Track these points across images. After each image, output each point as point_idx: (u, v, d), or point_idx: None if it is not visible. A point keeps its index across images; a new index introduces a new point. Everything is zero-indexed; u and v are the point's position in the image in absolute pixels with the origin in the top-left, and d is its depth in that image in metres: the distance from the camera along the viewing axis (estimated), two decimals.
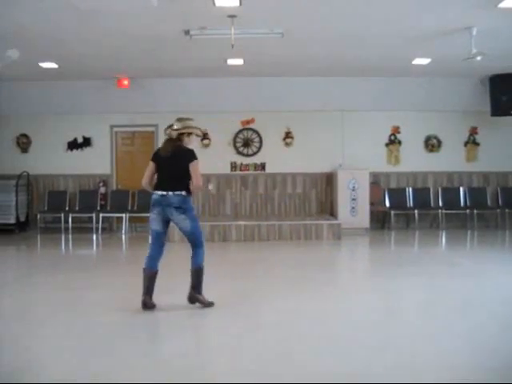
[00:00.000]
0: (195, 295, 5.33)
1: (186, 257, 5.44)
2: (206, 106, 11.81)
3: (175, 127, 5.33)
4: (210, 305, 5.32)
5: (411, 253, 9.46)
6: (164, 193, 5.20)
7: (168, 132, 5.36)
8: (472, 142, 12.18)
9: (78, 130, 12.15)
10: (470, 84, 11.67)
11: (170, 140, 5.36)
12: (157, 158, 5.37)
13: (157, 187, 5.28)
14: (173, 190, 5.19)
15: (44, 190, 12.20)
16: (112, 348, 4.22)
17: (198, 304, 5.33)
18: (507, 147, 12.03)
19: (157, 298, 5.30)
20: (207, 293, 5.41)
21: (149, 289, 5.30)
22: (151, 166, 5.36)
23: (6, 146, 12.15)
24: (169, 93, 11.72)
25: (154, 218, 5.28)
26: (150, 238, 5.48)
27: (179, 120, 5.40)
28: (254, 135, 12.14)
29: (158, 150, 5.50)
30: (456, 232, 11.34)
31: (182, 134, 5.35)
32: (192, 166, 5.23)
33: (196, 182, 5.23)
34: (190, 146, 5.42)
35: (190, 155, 5.29)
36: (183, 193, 5.22)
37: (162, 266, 5.46)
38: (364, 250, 10.07)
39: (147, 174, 5.36)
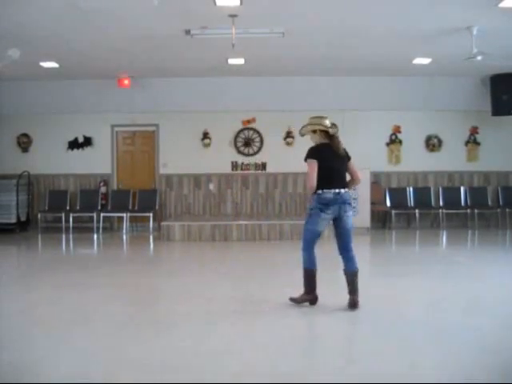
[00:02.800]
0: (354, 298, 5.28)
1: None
2: (207, 106, 11.83)
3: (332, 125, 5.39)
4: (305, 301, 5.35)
5: (412, 252, 9.44)
6: (337, 191, 5.20)
7: (331, 130, 5.31)
8: (473, 141, 12.18)
9: (79, 129, 12.15)
10: (470, 83, 11.67)
11: (335, 138, 5.32)
12: (324, 156, 5.28)
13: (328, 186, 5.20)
14: (340, 186, 5.24)
15: (45, 189, 12.20)
16: (113, 347, 4.22)
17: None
18: (508, 147, 12.03)
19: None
20: (207, 292, 5.40)
21: (314, 284, 5.34)
22: (316, 165, 5.22)
23: (6, 146, 12.16)
24: (169, 92, 11.73)
25: (325, 217, 5.20)
26: (308, 236, 5.33)
27: (325, 117, 5.39)
28: (255, 135, 12.14)
29: (323, 148, 5.32)
30: (457, 231, 11.33)
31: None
32: (353, 164, 5.35)
33: (360, 176, 5.38)
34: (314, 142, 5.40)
35: (307, 154, 5.27)
36: (347, 189, 5.27)
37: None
38: (365, 250, 10.03)
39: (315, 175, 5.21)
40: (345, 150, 5.34)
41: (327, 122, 5.30)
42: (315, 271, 5.35)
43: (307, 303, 5.32)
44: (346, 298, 5.23)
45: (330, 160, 5.19)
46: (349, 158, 5.34)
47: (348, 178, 5.37)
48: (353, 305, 5.19)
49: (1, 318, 5.11)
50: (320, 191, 5.13)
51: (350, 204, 5.22)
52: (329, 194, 5.12)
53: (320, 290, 5.34)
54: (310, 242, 5.34)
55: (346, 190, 5.23)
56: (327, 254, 5.99)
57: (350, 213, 5.23)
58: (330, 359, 3.97)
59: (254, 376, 3.65)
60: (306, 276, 5.34)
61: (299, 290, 5.41)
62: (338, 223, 5.23)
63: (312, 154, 5.23)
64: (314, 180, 5.12)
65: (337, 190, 5.14)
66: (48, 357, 4.02)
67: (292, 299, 5.37)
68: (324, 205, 5.13)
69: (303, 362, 3.94)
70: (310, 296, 5.32)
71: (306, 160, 5.21)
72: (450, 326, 4.77)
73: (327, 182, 5.14)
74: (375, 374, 3.66)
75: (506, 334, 4.56)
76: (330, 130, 5.28)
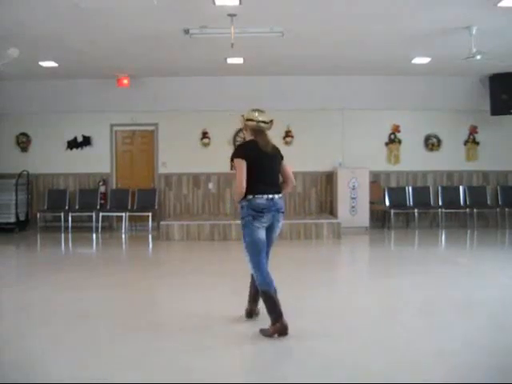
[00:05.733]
0: (254, 308, 4.86)
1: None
2: (206, 105, 11.83)
3: (266, 120, 4.56)
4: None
5: (411, 252, 9.46)
6: (270, 196, 4.45)
7: (256, 124, 4.53)
8: (472, 141, 12.19)
9: (78, 128, 12.16)
10: (469, 83, 11.68)
11: (264, 134, 4.57)
12: (251, 155, 4.46)
13: (259, 190, 4.43)
14: (278, 192, 4.54)
15: (44, 188, 12.20)
16: (113, 348, 4.22)
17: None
18: (507, 146, 12.05)
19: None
20: (206, 293, 5.39)
21: (279, 308, 4.35)
22: (244, 166, 4.40)
23: (5, 145, 12.17)
24: (169, 92, 11.73)
25: (259, 226, 4.43)
26: (252, 250, 4.45)
27: (261, 111, 4.60)
28: None
29: (249, 145, 4.57)
30: (456, 231, 11.35)
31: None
32: (286, 165, 4.70)
33: (293, 181, 4.76)
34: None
35: (280, 152, 4.71)
36: (281, 194, 4.60)
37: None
38: (364, 249, 10.06)
39: (245, 177, 4.38)
40: (277, 148, 4.69)
41: (256, 115, 4.54)
42: (273, 292, 4.37)
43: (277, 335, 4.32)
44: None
45: (260, 159, 4.46)
46: (281, 158, 4.69)
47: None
48: (249, 314, 4.86)
49: (1, 318, 5.11)
50: (250, 196, 4.40)
51: (283, 212, 4.60)
52: (261, 199, 4.40)
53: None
54: (256, 256, 4.42)
55: (280, 195, 4.56)
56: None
57: (281, 222, 4.64)
58: None
59: (250, 375, 3.66)
60: (266, 300, 4.40)
61: (297, 288, 5.39)
62: (267, 232, 4.53)
63: (238, 152, 4.50)
64: (243, 183, 4.36)
65: (270, 196, 4.44)
66: (48, 357, 4.02)
67: (262, 331, 4.40)
68: (257, 212, 4.40)
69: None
70: (277, 325, 4.30)
71: (232, 159, 4.46)
72: (446, 325, 4.78)
73: (258, 185, 4.43)
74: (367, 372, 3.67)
75: (502, 334, 4.56)
76: (253, 124, 4.52)
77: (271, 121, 4.58)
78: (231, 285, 6.42)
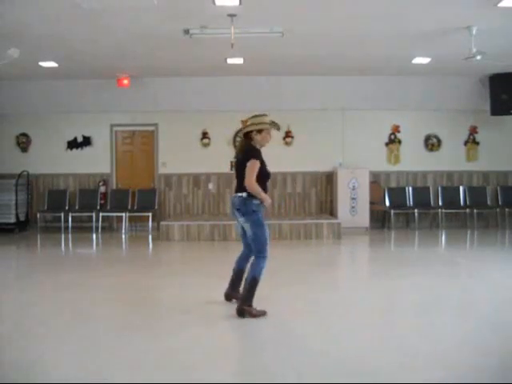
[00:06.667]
0: (243, 307, 4.92)
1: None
2: (206, 105, 11.84)
3: (253, 122, 5.02)
4: (262, 314, 4.94)
5: (411, 252, 9.46)
6: (234, 195, 5.09)
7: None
8: (472, 141, 12.20)
9: (78, 129, 12.16)
10: (469, 83, 11.68)
11: (243, 138, 5.14)
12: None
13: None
14: (236, 191, 5.02)
15: (44, 189, 12.21)
16: (113, 348, 4.22)
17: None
18: (507, 146, 12.06)
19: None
20: (205, 294, 5.38)
21: (233, 283, 5.41)
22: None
23: (5, 146, 12.17)
24: (169, 92, 11.73)
25: (235, 219, 5.20)
26: None
27: (251, 117, 5.04)
28: None
29: None
30: (456, 231, 11.34)
31: (251, 131, 4.99)
32: (248, 165, 4.87)
33: (246, 181, 4.85)
34: (264, 144, 5.06)
35: (249, 154, 4.93)
36: (244, 194, 4.91)
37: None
38: (364, 250, 10.06)
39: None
40: (246, 149, 5.01)
41: (248, 120, 5.08)
42: (233, 271, 5.46)
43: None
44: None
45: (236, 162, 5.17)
46: (247, 159, 4.90)
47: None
48: (239, 312, 4.91)
49: (1, 318, 5.11)
50: None
51: (238, 210, 4.98)
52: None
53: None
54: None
55: (240, 194, 4.95)
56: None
57: (242, 219, 4.98)
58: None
59: (250, 375, 3.67)
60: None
61: (296, 288, 5.38)
62: None
63: None
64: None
65: (233, 195, 5.09)
66: (48, 357, 4.02)
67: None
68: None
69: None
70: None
71: (249, 159, 5.05)
72: (446, 326, 4.78)
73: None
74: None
75: (502, 334, 4.56)
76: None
77: (246, 120, 5.04)
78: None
